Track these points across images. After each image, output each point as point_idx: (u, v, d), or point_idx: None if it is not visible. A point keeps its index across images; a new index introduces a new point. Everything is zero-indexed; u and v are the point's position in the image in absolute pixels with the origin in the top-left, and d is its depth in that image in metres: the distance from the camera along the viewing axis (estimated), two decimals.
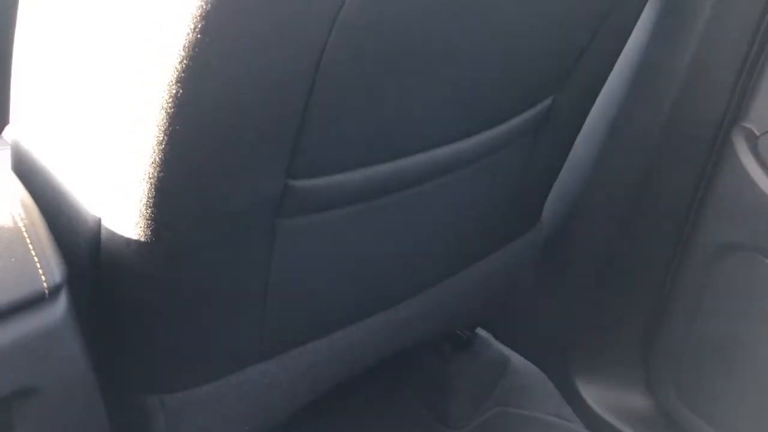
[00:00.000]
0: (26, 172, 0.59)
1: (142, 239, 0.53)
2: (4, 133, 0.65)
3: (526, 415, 1.07)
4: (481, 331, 1.14)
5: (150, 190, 0.51)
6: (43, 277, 0.51)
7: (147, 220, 0.52)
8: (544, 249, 0.97)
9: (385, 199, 0.65)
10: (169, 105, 0.46)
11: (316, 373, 0.78)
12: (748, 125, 0.88)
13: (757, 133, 0.87)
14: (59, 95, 0.56)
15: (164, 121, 0.47)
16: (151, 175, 0.50)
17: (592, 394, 1.07)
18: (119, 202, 0.53)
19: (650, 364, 1.04)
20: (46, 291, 0.51)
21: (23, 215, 0.52)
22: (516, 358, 1.12)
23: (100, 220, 0.54)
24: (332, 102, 0.52)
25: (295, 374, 0.74)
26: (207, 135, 0.49)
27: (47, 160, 0.58)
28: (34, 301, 0.50)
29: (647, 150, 0.91)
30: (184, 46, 0.44)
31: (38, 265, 0.50)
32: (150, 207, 0.51)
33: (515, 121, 0.73)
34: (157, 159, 0.49)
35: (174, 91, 0.45)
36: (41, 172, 0.58)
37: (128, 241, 0.53)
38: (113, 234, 0.54)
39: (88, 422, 0.57)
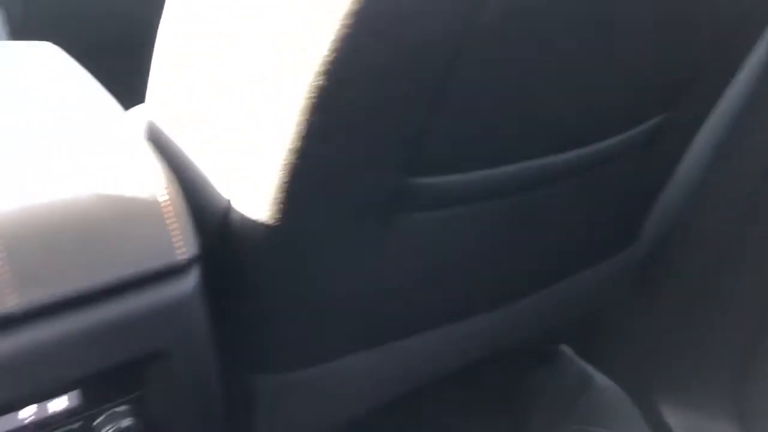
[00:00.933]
0: (159, 149, 0.62)
1: (269, 224, 0.56)
2: (138, 109, 0.69)
3: None
4: (565, 348, 1.14)
5: (283, 176, 0.53)
6: (180, 250, 0.54)
7: (276, 205, 0.55)
8: (641, 269, 0.97)
9: (495, 202, 0.67)
10: (312, 93, 0.49)
11: (410, 369, 0.80)
12: None
13: None
14: (196, 76, 0.60)
15: (306, 108, 0.50)
16: (286, 162, 0.53)
17: (677, 420, 1.05)
18: (251, 186, 0.56)
19: (743, 396, 1.01)
20: (182, 263, 0.54)
21: (163, 188, 0.55)
22: (599, 378, 1.11)
23: (229, 201, 0.58)
24: (464, 99, 0.54)
25: (391, 367, 0.76)
26: (343, 126, 0.52)
27: (180, 140, 0.62)
28: (171, 272, 0.54)
29: (757, 175, 0.89)
30: (331, 33, 0.46)
31: (177, 237, 0.54)
32: (280, 193, 0.54)
33: (626, 136, 0.73)
34: (295, 146, 0.52)
35: (319, 81, 0.48)
36: (174, 151, 0.62)
37: (255, 225, 0.56)
38: (242, 216, 0.57)
39: (208, 389, 0.60)
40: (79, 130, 0.59)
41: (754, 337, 0.98)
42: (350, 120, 0.52)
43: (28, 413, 0.52)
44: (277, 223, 0.56)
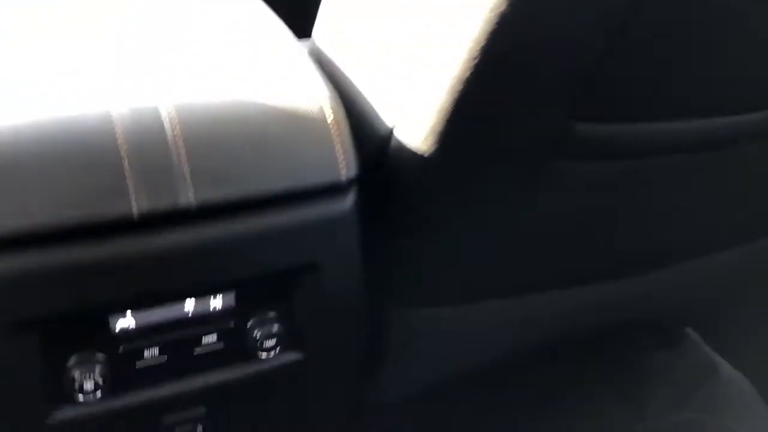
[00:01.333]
0: (326, 72, 0.64)
1: (429, 155, 0.56)
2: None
3: (727, 427, 1.01)
4: (691, 332, 1.09)
5: (449, 108, 0.54)
6: (342, 169, 0.56)
7: (438, 135, 0.55)
8: None
9: (655, 160, 0.64)
10: (491, 23, 0.48)
11: (537, 324, 0.79)
12: None
13: None
14: (368, 2, 0.61)
15: (482, 38, 0.49)
16: (453, 93, 0.53)
17: None
18: (414, 115, 0.57)
19: None
20: (344, 182, 0.56)
21: (330, 109, 0.57)
22: (726, 368, 1.06)
23: (392, 129, 0.59)
24: (643, 44, 0.53)
25: (520, 320, 0.76)
26: (517, 59, 0.52)
27: (346, 65, 0.64)
28: (332, 189, 0.56)
29: None
30: None
31: (341, 157, 0.56)
32: (444, 125, 0.55)
33: None
34: (465, 77, 0.52)
35: (500, 8, 0.48)
36: (340, 75, 0.63)
37: (414, 156, 0.57)
38: (402, 145, 0.58)
39: (352, 308, 0.62)
40: (256, 51, 0.61)
41: None
42: (525, 54, 0.52)
43: (189, 306, 0.56)
44: (436, 157, 0.56)
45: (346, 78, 0.63)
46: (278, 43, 0.62)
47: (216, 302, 0.57)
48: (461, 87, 0.52)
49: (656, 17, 0.51)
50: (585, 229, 0.70)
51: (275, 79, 0.58)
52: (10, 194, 0.48)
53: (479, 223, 0.63)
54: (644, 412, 1.03)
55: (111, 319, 0.54)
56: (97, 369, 0.55)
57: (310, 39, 0.69)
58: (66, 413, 0.56)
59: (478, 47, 0.50)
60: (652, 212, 0.73)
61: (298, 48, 0.63)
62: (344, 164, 0.56)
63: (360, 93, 0.61)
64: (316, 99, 0.57)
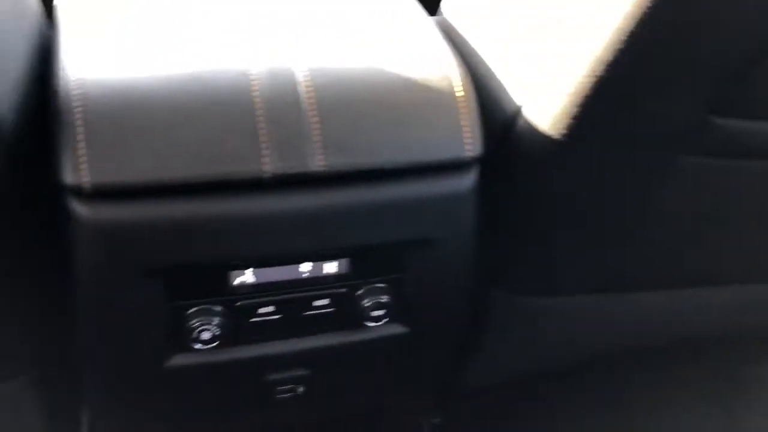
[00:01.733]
0: (455, 49, 0.63)
1: (556, 138, 0.55)
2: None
3: None
4: None
5: (584, 89, 0.52)
6: (468, 147, 0.56)
7: (568, 118, 0.54)
8: None
9: None
10: (636, 11, 0.47)
11: (638, 324, 0.77)
12: None
13: None
14: None
15: (630, 16, 0.48)
16: (590, 74, 0.51)
17: None
18: (546, 95, 0.55)
19: None
20: (468, 159, 0.56)
21: (460, 86, 0.57)
22: None
23: (520, 108, 0.58)
24: None
25: (620, 318, 0.74)
26: (661, 43, 0.50)
27: (475, 41, 0.63)
28: (456, 166, 0.56)
29: None
30: None
31: (467, 134, 0.55)
32: (576, 107, 0.53)
33: None
34: (605, 57, 0.50)
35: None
36: (468, 52, 0.63)
37: (543, 138, 0.56)
38: (530, 126, 0.57)
39: (461, 287, 0.62)
40: (388, 25, 0.61)
41: None
42: (670, 38, 0.49)
43: (305, 268, 0.57)
44: (564, 141, 0.55)
45: (476, 55, 0.62)
46: (410, 19, 0.62)
47: (331, 267, 0.58)
48: (601, 70, 0.50)
49: None
50: (704, 228, 0.68)
51: (407, 53, 0.58)
52: (152, 147, 0.50)
53: (597, 214, 0.62)
54: (739, 423, 1.00)
55: (232, 274, 0.56)
56: (215, 320, 0.57)
57: (440, 15, 0.69)
58: (182, 359, 0.59)
59: (625, 31, 0.48)
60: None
61: (429, 24, 0.63)
62: (470, 142, 0.55)
63: (489, 71, 0.61)
64: (446, 75, 0.57)
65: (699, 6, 0.47)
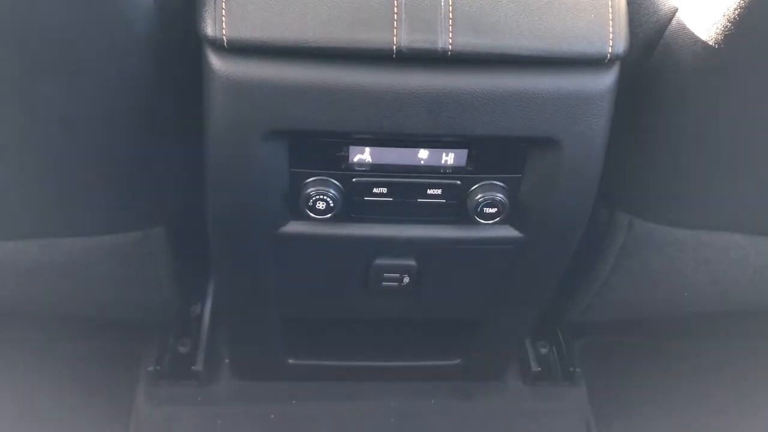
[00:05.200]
0: None
1: (712, 44, 0.50)
2: None
3: None
4: None
5: None
6: (610, 43, 0.52)
7: (731, 23, 0.49)
8: None
9: None
10: None
11: (753, 274, 0.71)
12: None
13: None
14: None
15: None
16: None
17: None
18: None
19: None
20: (609, 55, 0.52)
21: None
22: None
23: (676, 10, 0.53)
24: None
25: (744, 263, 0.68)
26: None
27: None
28: (594, 62, 0.52)
29: None
30: None
31: (609, 29, 0.52)
32: (741, 10, 0.48)
33: None
34: None
35: None
36: None
37: (698, 41, 0.51)
38: (685, 28, 0.52)
39: (582, 197, 0.59)
40: None
41: None
42: None
43: (423, 155, 0.57)
44: (721, 49, 0.50)
45: None
46: None
47: (448, 157, 0.57)
48: None
49: None
50: None
51: None
52: (288, 9, 0.51)
53: (742, 142, 0.56)
54: None
55: (350, 150, 0.57)
56: (330, 192, 0.58)
57: None
58: (296, 227, 0.61)
59: None
60: None
61: None
62: (614, 38, 0.52)
63: None
64: None
65: None
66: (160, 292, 0.76)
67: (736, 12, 0.48)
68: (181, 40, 0.56)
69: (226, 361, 0.91)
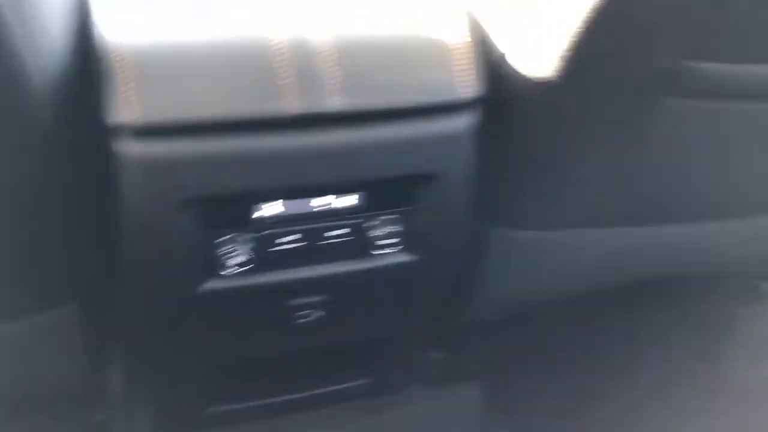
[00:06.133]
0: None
1: (545, 83, 0.62)
2: None
3: None
4: None
5: (572, 37, 0.59)
6: (465, 89, 0.62)
7: (558, 63, 0.61)
8: None
9: (757, 104, 0.67)
10: None
11: (627, 259, 0.84)
12: None
13: None
14: None
15: None
16: (579, 24, 0.58)
17: None
18: (530, 41, 0.62)
19: None
20: (465, 100, 0.62)
21: (457, 34, 0.63)
22: None
23: (503, 54, 0.64)
24: None
25: (614, 251, 0.81)
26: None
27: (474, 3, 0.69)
28: (455, 107, 0.62)
29: None
30: None
31: (463, 78, 0.62)
32: (564, 60, 0.60)
33: None
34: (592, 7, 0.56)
35: None
36: (469, 8, 0.69)
37: (527, 80, 0.63)
38: (513, 68, 0.64)
39: (462, 220, 0.69)
40: None
41: None
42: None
43: (325, 201, 0.64)
44: (554, 82, 0.61)
45: (473, 10, 0.69)
46: None
47: (348, 200, 0.65)
48: (589, 18, 0.57)
49: None
50: (684, 166, 0.74)
51: (412, 13, 0.64)
52: (191, 90, 0.57)
53: (588, 150, 0.68)
54: (720, 366, 1.06)
55: (258, 207, 0.63)
56: (243, 248, 0.64)
57: None
58: (213, 284, 0.66)
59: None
60: (744, 158, 0.76)
61: None
62: (465, 85, 0.62)
63: (478, 18, 0.67)
64: (444, 25, 0.63)
65: None
66: (74, 364, 0.77)
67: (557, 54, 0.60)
68: (74, 128, 0.59)
69: (146, 420, 0.93)
